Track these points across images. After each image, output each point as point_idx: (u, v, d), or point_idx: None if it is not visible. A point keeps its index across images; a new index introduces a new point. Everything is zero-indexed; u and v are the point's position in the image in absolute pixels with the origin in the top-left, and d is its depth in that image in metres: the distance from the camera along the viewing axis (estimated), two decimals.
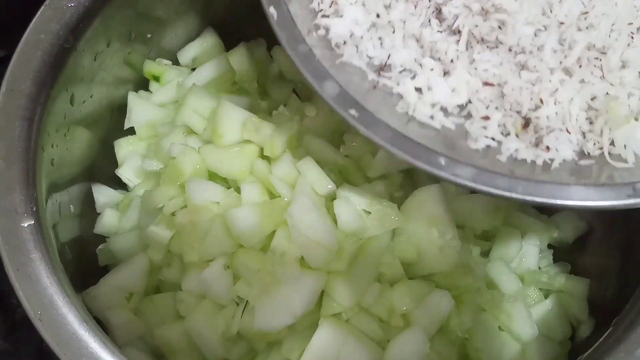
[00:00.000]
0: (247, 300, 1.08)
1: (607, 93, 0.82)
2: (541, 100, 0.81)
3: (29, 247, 0.93)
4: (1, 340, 1.28)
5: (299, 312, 1.04)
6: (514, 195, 0.77)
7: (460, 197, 1.20)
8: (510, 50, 0.84)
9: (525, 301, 1.16)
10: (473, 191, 0.79)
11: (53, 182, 1.09)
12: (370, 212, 1.09)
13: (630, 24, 0.85)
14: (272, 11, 0.86)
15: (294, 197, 1.05)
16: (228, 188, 1.15)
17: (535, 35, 0.84)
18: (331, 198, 1.11)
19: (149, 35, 1.31)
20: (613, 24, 0.84)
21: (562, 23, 0.84)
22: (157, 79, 1.34)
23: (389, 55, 0.87)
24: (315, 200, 1.07)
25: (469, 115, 0.84)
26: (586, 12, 0.84)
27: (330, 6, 0.89)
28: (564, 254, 1.29)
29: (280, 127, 1.14)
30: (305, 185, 1.09)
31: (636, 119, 0.81)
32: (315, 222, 1.03)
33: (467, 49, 0.86)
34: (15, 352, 1.27)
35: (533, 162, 0.81)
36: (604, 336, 0.94)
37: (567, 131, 0.81)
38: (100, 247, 1.22)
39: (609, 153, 0.81)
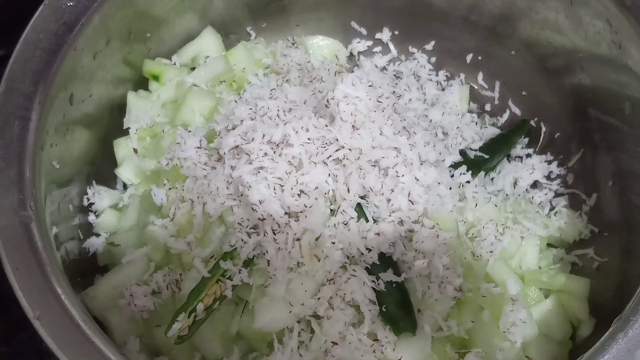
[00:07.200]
0: (246, 300, 1.08)
1: None
2: None
3: (27, 247, 0.93)
4: (0, 340, 1.28)
5: (299, 312, 1.04)
6: None
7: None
8: None
9: (525, 301, 1.16)
10: None
11: (52, 182, 1.09)
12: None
13: None
14: None
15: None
16: None
17: None
18: None
19: (148, 35, 1.31)
20: None
21: None
22: (156, 78, 1.34)
23: None
24: None
25: None
26: None
27: None
28: (564, 254, 1.29)
29: None
30: None
31: None
32: None
33: None
34: (14, 352, 1.27)
35: None
36: (604, 336, 0.93)
37: None
38: (99, 246, 1.22)
39: None
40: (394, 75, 1.48)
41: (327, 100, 1.10)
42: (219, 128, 1.17)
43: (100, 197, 1.25)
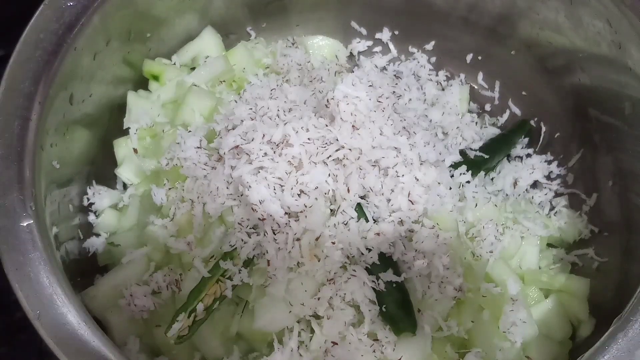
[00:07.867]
0: (246, 300, 1.08)
1: None
2: None
3: (27, 247, 0.93)
4: (0, 341, 1.28)
5: (299, 312, 1.04)
6: None
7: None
8: None
9: (525, 301, 1.16)
10: None
11: (52, 182, 1.09)
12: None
13: None
14: None
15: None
16: None
17: None
18: None
19: (148, 35, 1.31)
20: None
21: None
22: (156, 78, 1.34)
23: None
24: None
25: None
26: None
27: None
28: (564, 254, 1.29)
29: None
30: None
31: None
32: None
33: None
34: (14, 353, 1.27)
35: None
36: (604, 336, 0.93)
37: None
38: (99, 246, 1.22)
39: None
40: (394, 75, 1.48)
41: (327, 100, 1.11)
42: (219, 128, 1.17)
43: (100, 197, 1.25)
